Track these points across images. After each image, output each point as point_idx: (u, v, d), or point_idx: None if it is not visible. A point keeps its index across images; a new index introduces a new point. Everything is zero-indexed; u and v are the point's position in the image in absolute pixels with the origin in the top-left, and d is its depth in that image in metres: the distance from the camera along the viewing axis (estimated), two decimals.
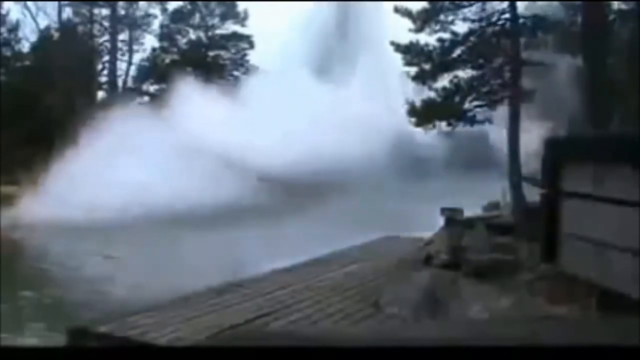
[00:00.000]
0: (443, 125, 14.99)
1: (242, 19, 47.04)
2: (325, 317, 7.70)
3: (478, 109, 14.79)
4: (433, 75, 14.96)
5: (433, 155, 31.73)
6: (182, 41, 47.43)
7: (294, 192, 26.86)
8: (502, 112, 14.62)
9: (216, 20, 47.53)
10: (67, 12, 42.09)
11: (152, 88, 47.11)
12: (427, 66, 15.00)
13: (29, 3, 39.68)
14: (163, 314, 7.70)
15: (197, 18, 47.39)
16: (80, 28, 42.54)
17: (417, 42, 14.94)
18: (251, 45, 47.46)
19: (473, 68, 14.95)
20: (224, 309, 8.00)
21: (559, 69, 15.30)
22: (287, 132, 29.90)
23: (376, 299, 8.22)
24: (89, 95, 36.97)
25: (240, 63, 48.30)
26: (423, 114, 15.04)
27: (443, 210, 11.93)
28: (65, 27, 40.74)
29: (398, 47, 15.15)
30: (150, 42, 46.68)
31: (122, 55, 45.55)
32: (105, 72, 44.11)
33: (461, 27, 15.04)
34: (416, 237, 12.99)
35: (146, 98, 46.48)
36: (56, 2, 40.70)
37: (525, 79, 14.36)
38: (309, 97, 32.96)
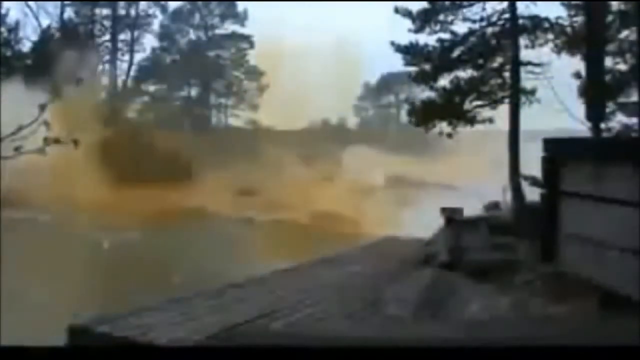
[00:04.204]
0: (443, 125, 14.98)
1: (242, 19, 47.05)
2: (326, 317, 7.69)
3: (478, 109, 14.79)
4: (433, 75, 14.96)
5: None
6: (182, 41, 47.43)
7: None
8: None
9: (216, 20, 47.54)
10: (68, 11, 42.12)
11: (153, 88, 47.14)
12: (427, 66, 14.99)
13: (30, 2, 39.72)
14: (163, 313, 7.70)
15: (197, 18, 47.39)
16: (81, 28, 42.51)
17: (417, 42, 14.94)
18: (251, 45, 47.48)
19: (473, 68, 14.94)
20: (225, 309, 7.99)
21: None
22: None
23: (376, 298, 8.22)
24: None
25: (240, 63, 48.31)
26: (423, 114, 15.03)
27: (443, 210, 11.93)
28: (67, 26, 40.75)
29: (398, 48, 15.14)
30: (150, 42, 46.69)
31: (122, 55, 45.55)
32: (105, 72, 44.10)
33: (461, 27, 15.05)
34: (417, 237, 12.99)
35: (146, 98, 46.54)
36: (57, 2, 40.74)
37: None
38: None
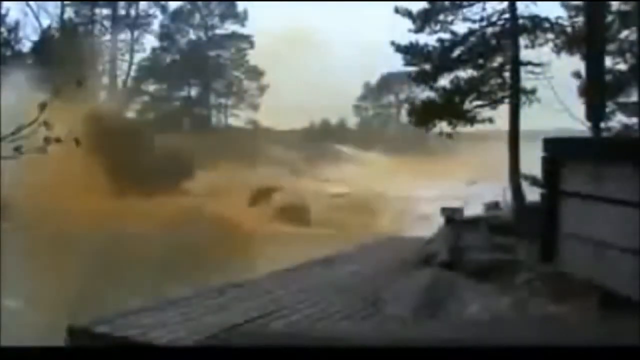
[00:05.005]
0: (444, 125, 14.96)
1: (242, 19, 47.01)
2: (326, 317, 7.69)
3: (478, 109, 14.78)
4: (433, 75, 14.94)
5: None
6: (182, 41, 47.39)
7: None
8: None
9: (216, 20, 47.50)
10: (68, 11, 42.09)
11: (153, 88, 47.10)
12: (427, 66, 14.98)
13: (30, 2, 39.70)
14: (163, 313, 7.69)
15: (197, 18, 47.34)
16: (81, 28, 42.47)
17: (417, 42, 14.93)
18: (251, 45, 47.46)
19: (473, 68, 14.93)
20: (225, 309, 7.99)
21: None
22: None
23: (376, 298, 8.22)
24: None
25: (240, 63, 48.29)
26: (423, 114, 15.03)
27: (443, 210, 11.95)
28: (67, 26, 40.74)
29: (398, 48, 15.13)
30: (150, 42, 46.65)
31: (122, 55, 45.50)
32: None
33: (461, 27, 15.04)
34: (417, 236, 13.01)
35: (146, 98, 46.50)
36: (57, 2, 40.72)
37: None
38: None
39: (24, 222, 24.60)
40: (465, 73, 14.94)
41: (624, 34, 14.19)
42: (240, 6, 46.60)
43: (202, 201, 31.90)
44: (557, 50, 14.71)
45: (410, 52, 15.02)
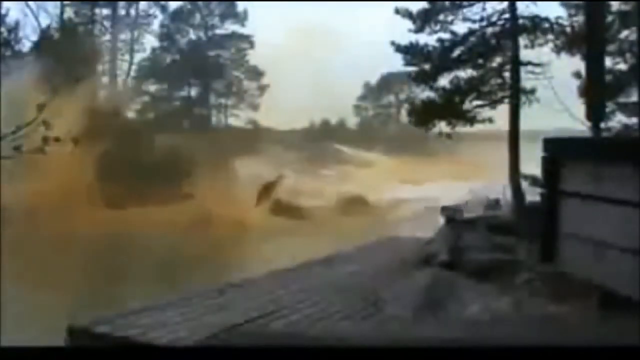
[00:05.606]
0: (443, 125, 14.97)
1: (241, 19, 46.94)
2: (326, 317, 7.69)
3: (478, 109, 14.79)
4: (433, 75, 14.96)
5: None
6: (182, 41, 47.31)
7: None
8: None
9: (216, 20, 47.41)
10: (68, 11, 42.01)
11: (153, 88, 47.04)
12: (427, 66, 14.99)
13: (30, 2, 39.62)
14: (163, 313, 7.69)
15: (197, 18, 47.26)
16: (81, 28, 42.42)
17: (417, 42, 14.94)
18: (251, 45, 47.42)
19: (473, 68, 14.94)
20: (225, 308, 7.98)
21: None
22: None
23: (376, 298, 8.22)
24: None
25: (240, 63, 48.23)
26: (423, 114, 15.04)
27: (443, 209, 11.93)
28: (67, 26, 40.68)
29: (398, 48, 15.14)
30: (150, 42, 46.58)
31: (122, 55, 45.45)
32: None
33: (461, 27, 15.06)
34: (417, 236, 12.99)
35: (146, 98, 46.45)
36: (57, 2, 40.64)
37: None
38: None
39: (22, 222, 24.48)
40: (465, 73, 14.98)
41: (624, 34, 14.21)
42: (240, 6, 46.52)
43: (201, 201, 31.86)
44: (557, 50, 14.73)
45: (410, 52, 15.04)
